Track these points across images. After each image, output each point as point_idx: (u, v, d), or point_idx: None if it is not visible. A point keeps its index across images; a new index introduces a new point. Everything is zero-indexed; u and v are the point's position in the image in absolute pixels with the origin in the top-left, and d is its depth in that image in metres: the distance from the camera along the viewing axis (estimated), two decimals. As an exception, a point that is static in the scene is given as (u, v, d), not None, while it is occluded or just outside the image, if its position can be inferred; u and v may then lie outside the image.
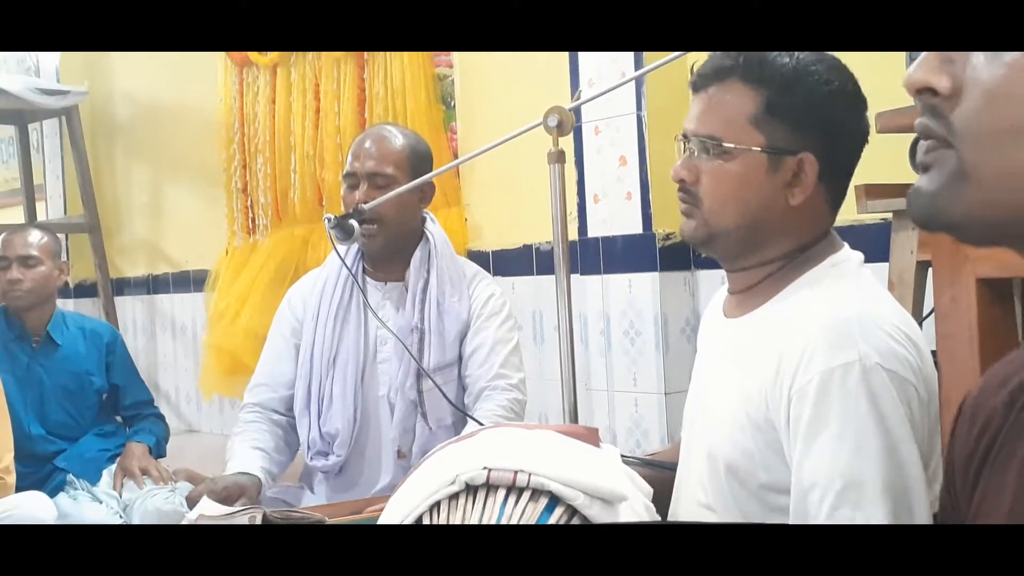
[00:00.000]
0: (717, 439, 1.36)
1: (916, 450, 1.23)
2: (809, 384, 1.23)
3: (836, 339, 1.24)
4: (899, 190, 1.82)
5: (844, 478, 1.20)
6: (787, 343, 1.28)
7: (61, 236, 4.41)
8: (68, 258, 3.43)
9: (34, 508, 2.84)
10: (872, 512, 1.19)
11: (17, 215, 5.89)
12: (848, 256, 1.39)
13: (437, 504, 1.22)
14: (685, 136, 1.40)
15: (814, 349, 1.24)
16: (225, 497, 2.02)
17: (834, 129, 1.35)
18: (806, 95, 1.33)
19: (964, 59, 0.72)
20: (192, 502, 2.09)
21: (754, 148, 1.34)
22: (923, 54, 0.74)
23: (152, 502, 2.99)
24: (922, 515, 1.21)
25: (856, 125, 1.38)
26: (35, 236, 3.26)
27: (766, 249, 1.38)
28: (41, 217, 5.86)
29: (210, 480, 2.13)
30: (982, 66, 0.71)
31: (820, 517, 1.21)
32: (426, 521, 1.23)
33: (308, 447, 2.30)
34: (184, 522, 1.86)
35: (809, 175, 1.34)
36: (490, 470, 1.21)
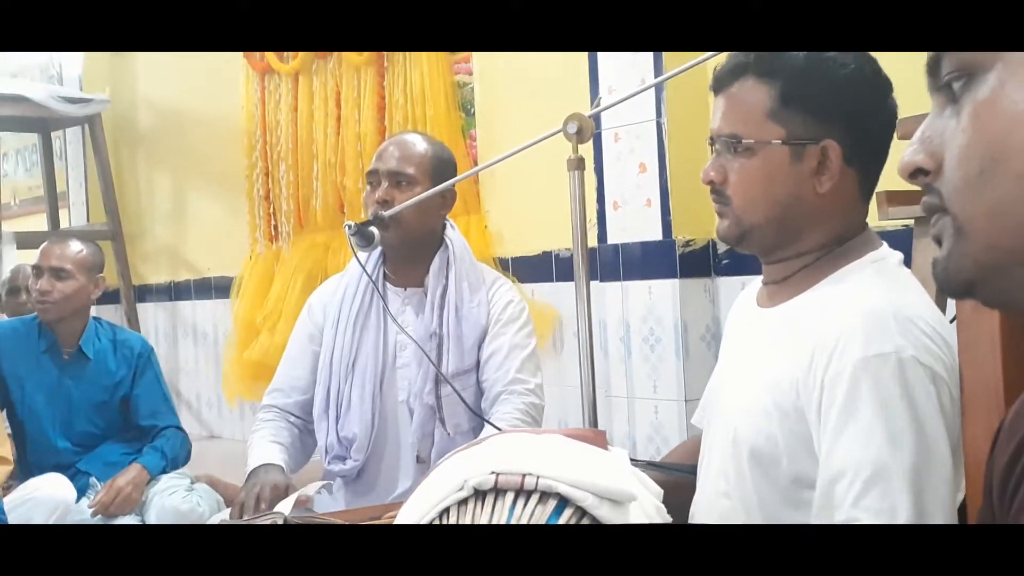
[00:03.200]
0: (742, 425, 1.35)
1: (948, 445, 1.23)
2: (843, 372, 1.23)
3: (872, 330, 1.24)
4: (920, 197, 1.80)
5: (874, 466, 1.19)
6: (822, 332, 1.27)
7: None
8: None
9: (54, 490, 2.88)
10: (899, 503, 1.18)
11: (41, 222, 5.94)
12: (887, 254, 1.39)
13: (447, 510, 1.21)
14: (712, 139, 1.42)
15: (849, 338, 1.24)
16: (272, 500, 2.02)
17: (854, 113, 1.35)
18: (821, 82, 1.34)
19: (939, 136, 0.79)
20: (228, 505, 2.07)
21: (774, 141, 1.35)
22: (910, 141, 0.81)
23: (170, 500, 2.98)
24: (947, 511, 1.21)
25: (879, 107, 1.38)
26: (72, 249, 3.17)
27: (801, 240, 1.38)
28: (64, 224, 5.90)
29: (244, 492, 2.11)
30: (950, 131, 0.78)
31: (846, 505, 1.20)
32: (437, 527, 1.23)
33: (326, 451, 2.31)
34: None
35: (834, 162, 1.34)
36: (498, 474, 1.20)
